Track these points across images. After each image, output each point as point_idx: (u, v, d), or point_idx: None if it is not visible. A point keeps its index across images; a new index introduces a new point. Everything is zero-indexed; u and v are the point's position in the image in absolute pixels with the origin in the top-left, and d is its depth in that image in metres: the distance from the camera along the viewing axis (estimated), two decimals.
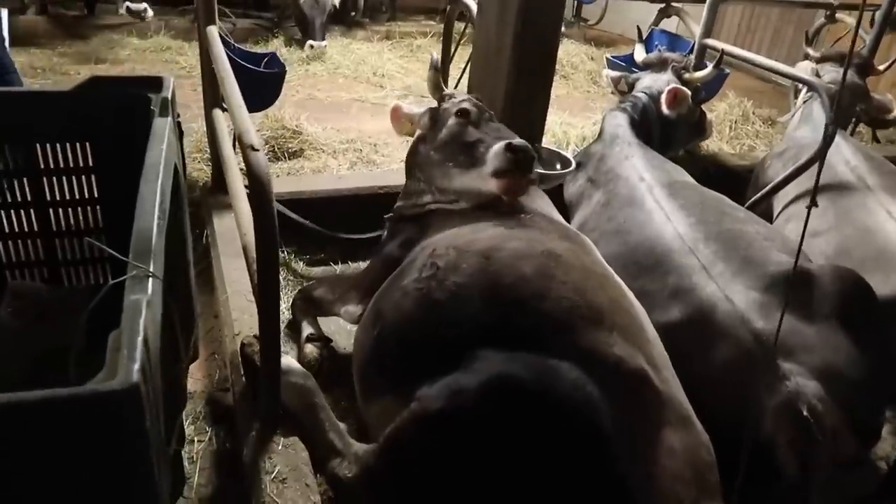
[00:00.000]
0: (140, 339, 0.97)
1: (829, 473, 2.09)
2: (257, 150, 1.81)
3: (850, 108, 4.13)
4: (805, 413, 2.03)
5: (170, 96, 1.97)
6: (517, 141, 2.33)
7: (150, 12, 6.23)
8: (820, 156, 3.23)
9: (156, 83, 2.04)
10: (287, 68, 4.49)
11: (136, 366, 0.92)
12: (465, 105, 2.61)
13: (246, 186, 2.22)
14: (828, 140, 3.16)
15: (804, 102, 4.04)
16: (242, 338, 2.26)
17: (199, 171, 3.87)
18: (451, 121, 2.59)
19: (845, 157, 3.42)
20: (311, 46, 6.54)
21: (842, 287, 2.33)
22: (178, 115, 2.06)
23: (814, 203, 1.26)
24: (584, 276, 2.05)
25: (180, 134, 2.06)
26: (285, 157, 4.23)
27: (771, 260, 2.40)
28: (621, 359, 1.84)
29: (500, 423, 1.71)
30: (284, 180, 3.82)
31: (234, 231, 2.72)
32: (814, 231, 3.25)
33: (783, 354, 2.17)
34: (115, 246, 1.49)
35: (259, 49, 6.13)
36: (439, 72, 2.76)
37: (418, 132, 2.77)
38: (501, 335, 1.85)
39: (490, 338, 1.84)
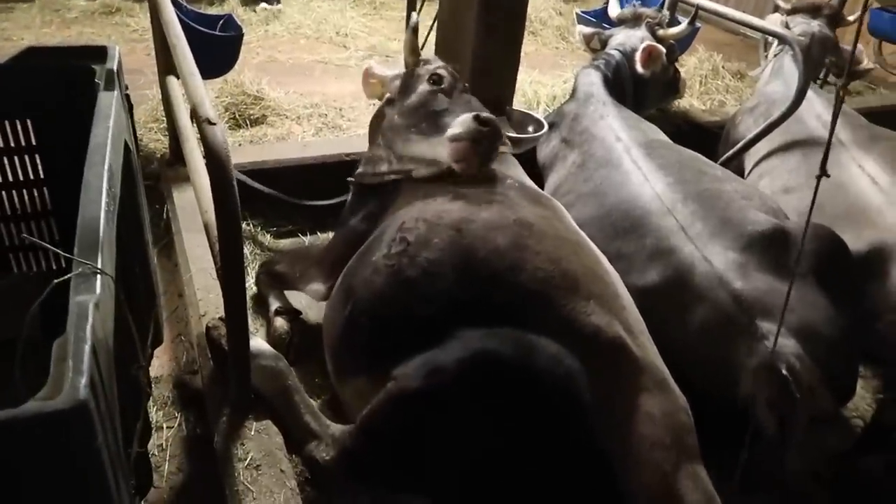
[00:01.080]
0: (87, 346, 0.88)
1: (807, 431, 2.10)
2: (214, 124, 1.70)
3: (820, 61, 4.10)
4: (784, 371, 2.03)
5: (115, 67, 1.83)
6: (486, 114, 2.26)
7: None
8: (791, 109, 3.20)
9: (100, 53, 1.90)
10: (245, 30, 4.27)
11: (84, 379, 0.83)
12: (440, 71, 2.51)
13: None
14: (802, 94, 3.15)
15: (775, 56, 3.99)
16: (208, 320, 2.17)
17: (157, 141, 3.68)
18: (423, 86, 2.49)
19: (817, 111, 3.39)
20: (264, 8, 6.29)
21: (818, 245, 2.32)
22: (127, 87, 1.93)
23: (824, 173, 1.20)
24: (557, 245, 2.00)
25: (130, 107, 1.93)
26: (247, 125, 4.05)
27: (748, 219, 2.37)
28: (598, 328, 1.82)
29: (480, 401, 1.68)
30: (247, 149, 3.67)
31: (195, 204, 2.60)
32: (786, 187, 3.23)
33: (762, 314, 2.16)
34: (67, 229, 1.38)
35: (214, 10, 5.85)
36: (417, 34, 2.62)
37: (387, 95, 2.64)
38: (477, 310, 1.80)
39: (466, 313, 1.80)
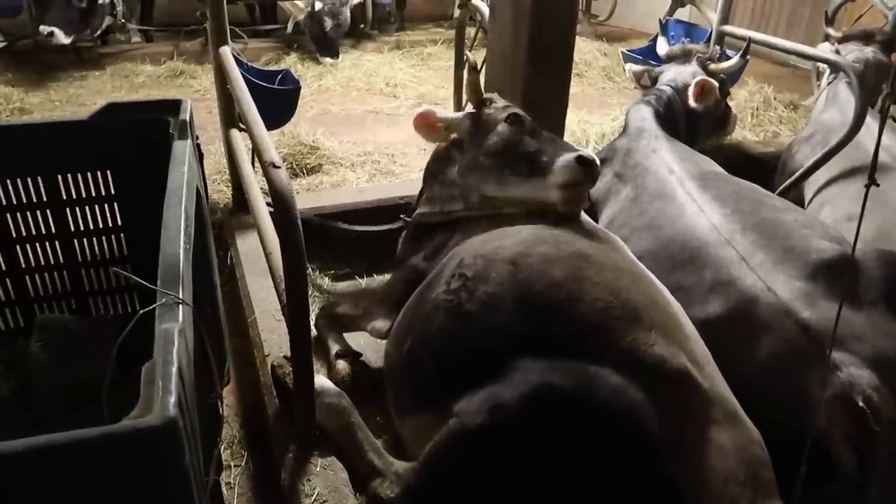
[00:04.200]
0: (175, 369, 0.93)
1: (889, 467, 2.00)
2: (279, 168, 1.78)
3: (875, 87, 4.02)
4: (861, 404, 1.95)
5: (188, 118, 1.94)
6: (586, 153, 2.29)
7: (62, 36, 5.93)
8: (850, 135, 3.14)
9: (173, 106, 2.02)
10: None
11: (173, 399, 0.88)
12: (517, 111, 2.53)
13: (268, 205, 2.20)
14: (860, 119, 3.09)
15: (829, 84, 3.94)
16: (273, 359, 2.23)
17: (219, 192, 3.86)
18: (502, 127, 2.48)
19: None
20: (331, 63, 6.60)
21: (889, 272, 2.24)
22: (198, 137, 2.04)
23: (873, 181, 1.19)
24: (616, 276, 1.99)
25: (200, 156, 2.04)
26: (304, 173, 4.21)
27: (812, 248, 2.31)
28: (663, 358, 1.78)
29: (544, 435, 1.66)
30: (305, 196, 3.80)
31: (258, 250, 2.69)
32: (849, 215, 3.14)
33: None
34: (141, 274, 1.46)
35: (272, 67, 6.15)
36: (479, 74, 2.67)
37: (453, 137, 2.66)
38: (538, 343, 1.79)
39: (526, 347, 1.79)
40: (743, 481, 1.70)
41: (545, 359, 1.74)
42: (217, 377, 1.41)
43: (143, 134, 1.93)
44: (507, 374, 1.74)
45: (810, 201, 3.43)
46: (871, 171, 1.14)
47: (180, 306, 1.09)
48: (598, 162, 2.29)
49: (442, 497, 1.78)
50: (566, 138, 3.85)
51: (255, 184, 2.59)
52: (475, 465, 1.70)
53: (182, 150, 1.75)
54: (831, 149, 3.18)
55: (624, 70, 4.06)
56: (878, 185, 1.20)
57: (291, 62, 6.65)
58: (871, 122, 3.33)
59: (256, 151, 1.94)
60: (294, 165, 4.23)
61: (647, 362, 1.76)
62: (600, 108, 5.46)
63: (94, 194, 2.05)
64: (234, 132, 3.19)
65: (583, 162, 2.25)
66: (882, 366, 2.05)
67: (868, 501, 1.98)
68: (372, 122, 5.42)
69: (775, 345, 2.18)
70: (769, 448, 1.86)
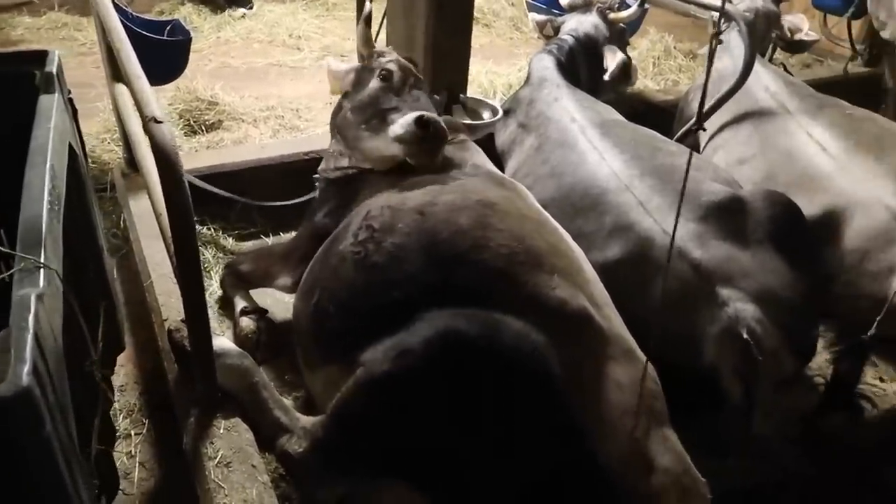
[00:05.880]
0: (29, 336, 0.87)
1: (771, 394, 2.15)
2: (160, 122, 1.67)
3: (766, 35, 4.18)
4: (745, 336, 2.07)
5: (55, 70, 1.79)
6: (428, 115, 2.27)
7: None
8: (740, 82, 3.26)
9: (38, 58, 1.86)
10: (196, 37, 4.24)
11: (26, 367, 0.82)
12: (390, 66, 2.51)
13: None
14: (748, 67, 3.21)
15: (722, 33, 4.06)
16: (169, 323, 2.14)
17: (110, 152, 3.64)
18: (374, 82, 2.50)
19: (765, 83, 3.46)
20: (244, 15, 6.24)
21: (774, 211, 2.38)
22: (70, 92, 1.89)
23: (701, 127, 1.26)
24: (520, 223, 2.03)
25: (74, 111, 1.89)
26: (203, 130, 4.02)
27: (703, 190, 2.41)
28: (563, 301, 1.84)
29: (449, 380, 1.68)
30: (204, 154, 3.63)
31: (151, 212, 2.57)
32: (740, 158, 3.29)
33: (721, 281, 2.20)
34: (12, 240, 1.35)
35: (165, 17, 5.77)
36: (370, 26, 2.62)
37: (345, 90, 2.64)
38: (443, 292, 1.81)
39: (432, 295, 1.80)
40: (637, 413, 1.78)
41: (451, 306, 1.75)
42: (91, 343, 1.34)
43: (5, 88, 1.77)
44: (413, 322, 1.75)
45: (705, 146, 3.56)
46: (699, 117, 1.20)
47: (41, 270, 1.02)
48: (440, 123, 2.28)
49: (351, 447, 1.79)
50: (473, 89, 3.84)
51: (143, 141, 2.44)
52: (383, 412, 1.71)
53: (48, 105, 1.62)
54: (722, 96, 3.29)
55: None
56: (704, 130, 1.29)
57: (186, 13, 6.25)
58: (759, 69, 3.47)
59: (137, 106, 1.82)
60: (192, 122, 4.03)
61: (549, 305, 1.82)
62: (508, 59, 5.45)
63: None
64: (121, 87, 2.98)
65: (420, 122, 2.24)
66: (766, 300, 2.18)
67: (752, 426, 2.13)
68: (275, 76, 5.21)
69: (669, 284, 2.28)
70: (667, 383, 1.95)
